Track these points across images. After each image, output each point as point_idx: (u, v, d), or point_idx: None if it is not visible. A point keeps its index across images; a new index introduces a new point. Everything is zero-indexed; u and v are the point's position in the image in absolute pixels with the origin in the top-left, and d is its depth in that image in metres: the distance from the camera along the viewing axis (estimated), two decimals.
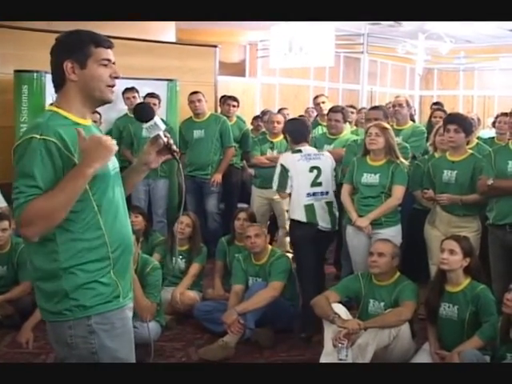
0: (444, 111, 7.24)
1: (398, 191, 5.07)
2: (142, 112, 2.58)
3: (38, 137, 2.22)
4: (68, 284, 2.31)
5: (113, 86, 2.42)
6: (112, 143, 2.32)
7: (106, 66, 2.39)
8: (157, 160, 2.61)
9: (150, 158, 2.59)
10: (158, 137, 2.55)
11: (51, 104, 2.46)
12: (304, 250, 5.21)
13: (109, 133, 6.95)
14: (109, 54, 2.41)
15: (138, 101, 7.22)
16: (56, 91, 2.43)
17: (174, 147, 2.58)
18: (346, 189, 5.32)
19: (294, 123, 5.68)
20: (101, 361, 2.37)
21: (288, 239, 6.55)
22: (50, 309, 2.35)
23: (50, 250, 2.30)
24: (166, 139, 2.55)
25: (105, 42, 2.41)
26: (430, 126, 6.87)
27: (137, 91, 7.25)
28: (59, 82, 2.40)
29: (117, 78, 2.42)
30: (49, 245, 2.30)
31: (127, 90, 7.20)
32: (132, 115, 5.16)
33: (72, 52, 2.35)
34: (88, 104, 2.43)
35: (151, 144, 2.58)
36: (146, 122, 2.53)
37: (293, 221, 5.33)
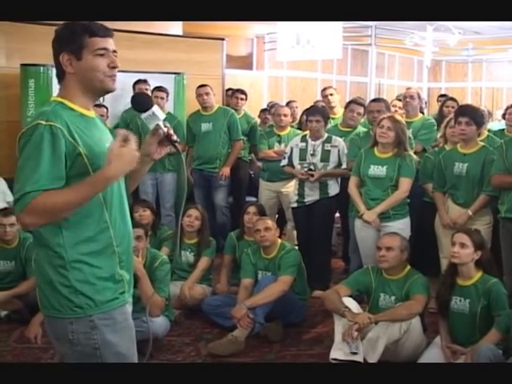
0: (456, 102, 7.19)
1: (405, 184, 5.06)
2: (140, 102, 2.51)
3: (44, 123, 2.19)
4: (75, 278, 2.28)
5: (112, 75, 2.35)
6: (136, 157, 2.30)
7: (102, 55, 2.32)
8: (159, 151, 2.53)
9: (152, 148, 2.51)
10: (157, 127, 2.48)
11: (56, 96, 2.42)
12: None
13: (116, 126, 6.93)
14: (106, 42, 2.34)
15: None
16: (58, 83, 2.41)
17: (175, 137, 2.51)
18: (353, 181, 5.31)
19: None
20: (103, 356, 2.34)
21: (295, 233, 6.52)
22: (55, 303, 2.31)
23: (56, 243, 2.27)
24: (165, 129, 2.48)
25: (100, 31, 2.33)
26: (441, 117, 6.83)
27: (149, 84, 7.23)
28: (59, 74, 2.38)
29: (115, 67, 2.35)
30: (55, 238, 2.27)
31: (139, 81, 7.20)
32: None
33: (67, 44, 2.31)
34: (89, 94, 2.38)
35: (152, 135, 2.51)
36: (144, 111, 2.46)
37: (330, 197, 5.88)
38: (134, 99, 2.55)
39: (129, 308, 2.50)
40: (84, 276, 2.29)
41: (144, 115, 2.46)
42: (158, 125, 2.47)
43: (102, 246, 2.33)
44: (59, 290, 2.29)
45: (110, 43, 2.35)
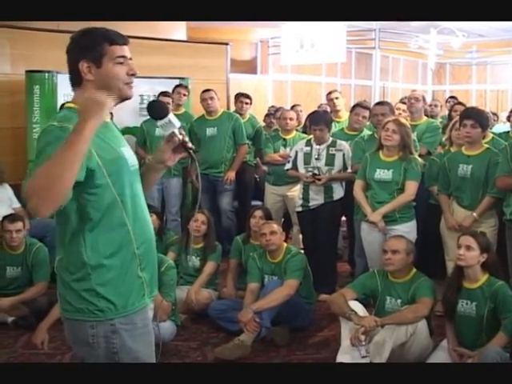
0: (464, 106, 7.18)
1: (411, 187, 5.06)
2: (156, 109, 2.54)
3: (56, 124, 2.20)
4: (96, 282, 2.29)
5: (130, 82, 2.38)
6: (104, 99, 2.20)
7: (121, 63, 2.35)
8: (173, 158, 2.56)
9: (166, 155, 2.54)
10: (173, 134, 2.50)
11: (67, 102, 2.42)
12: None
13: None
14: (124, 50, 2.37)
15: (185, 98, 7.53)
16: (73, 89, 2.41)
17: (190, 144, 2.53)
18: (358, 184, 5.31)
19: None
20: (121, 361, 2.34)
21: (301, 236, 6.52)
22: (77, 306, 2.31)
23: (77, 245, 2.28)
24: (181, 136, 2.50)
25: (119, 39, 2.36)
26: (450, 119, 6.81)
27: (186, 87, 7.58)
28: (76, 81, 2.37)
29: (134, 74, 2.38)
30: (76, 241, 2.28)
31: (179, 86, 7.50)
32: None
33: (87, 52, 2.32)
34: None
35: (167, 142, 2.53)
36: (160, 119, 2.49)
37: (335, 201, 5.84)
38: (150, 106, 2.57)
39: (150, 313, 2.51)
40: (105, 279, 2.30)
41: (160, 122, 2.49)
42: (173, 132, 2.50)
43: (122, 249, 2.33)
44: (80, 293, 2.30)
45: (127, 51, 2.38)
